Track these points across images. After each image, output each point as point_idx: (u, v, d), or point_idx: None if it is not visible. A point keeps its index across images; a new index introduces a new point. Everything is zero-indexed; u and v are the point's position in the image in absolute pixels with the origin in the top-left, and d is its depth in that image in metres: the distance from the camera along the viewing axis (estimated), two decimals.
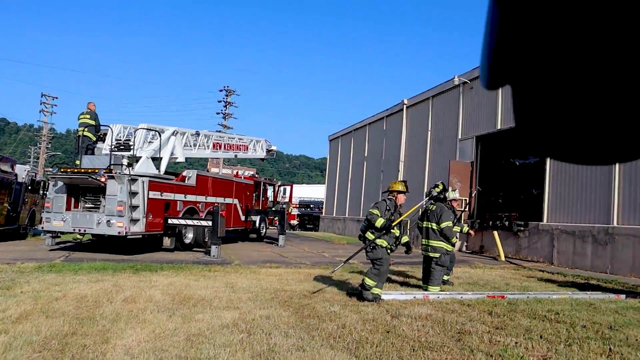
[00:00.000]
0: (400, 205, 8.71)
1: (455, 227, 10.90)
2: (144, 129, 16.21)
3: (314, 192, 54.59)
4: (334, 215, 40.12)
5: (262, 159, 25.21)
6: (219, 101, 50.37)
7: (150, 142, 16.38)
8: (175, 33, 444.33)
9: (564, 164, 16.92)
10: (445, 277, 10.53)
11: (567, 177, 17.05)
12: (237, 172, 24.61)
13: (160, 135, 16.23)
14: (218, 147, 20.54)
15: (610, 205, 15.09)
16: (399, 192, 8.75)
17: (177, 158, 17.54)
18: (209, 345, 5.06)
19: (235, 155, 22.54)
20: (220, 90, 50.42)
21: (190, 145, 18.49)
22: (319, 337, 5.58)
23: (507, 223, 19.33)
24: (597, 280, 13.03)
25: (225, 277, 10.63)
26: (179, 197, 16.10)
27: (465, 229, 11.31)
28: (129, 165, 14.84)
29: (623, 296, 9.64)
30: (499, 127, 20.93)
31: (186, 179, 17.02)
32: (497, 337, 5.77)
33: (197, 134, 18.91)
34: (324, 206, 44.06)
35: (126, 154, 15.26)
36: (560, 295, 9.44)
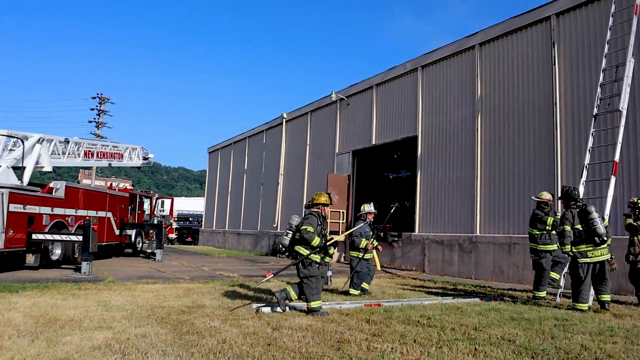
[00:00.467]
0: (324, 217, 8.68)
1: (372, 240, 11.37)
2: (3, 135, 14.87)
3: (193, 205, 53.32)
4: (214, 228, 39.46)
5: (139, 167, 24.17)
6: (92, 109, 47.64)
7: (11, 149, 15.07)
8: (45, 32, 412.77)
9: (434, 178, 18.07)
10: (365, 286, 11.23)
11: (436, 191, 18.20)
12: (111, 184, 23.31)
13: (23, 143, 14.97)
14: (90, 155, 19.36)
15: (474, 215, 16.32)
16: (324, 204, 8.74)
17: (43, 167, 16.27)
18: None
19: (110, 164, 21.35)
20: (94, 98, 47.74)
21: (59, 154, 17.24)
22: (199, 354, 5.42)
23: (382, 234, 20.16)
24: (463, 285, 13.98)
25: (98, 295, 9.99)
26: (45, 210, 14.93)
27: (375, 243, 11.55)
28: None
29: (476, 299, 10.45)
30: (373, 143, 21.88)
31: (53, 190, 15.82)
32: (375, 344, 5.97)
33: (67, 141, 17.69)
34: (203, 219, 43.16)
35: None
36: (431, 300, 10.00)
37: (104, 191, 20.03)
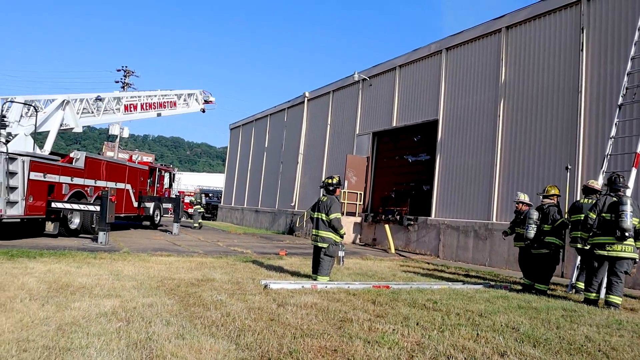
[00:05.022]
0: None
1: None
2: (19, 102, 15.04)
3: (213, 180, 53.86)
4: (233, 205, 39.78)
5: (203, 111, 23.14)
6: (116, 81, 47.90)
7: (31, 116, 15.28)
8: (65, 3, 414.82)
9: (452, 163, 17.88)
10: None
11: (454, 176, 18.03)
12: (131, 157, 23.55)
13: (36, 111, 15.11)
14: (133, 109, 19.00)
15: (491, 203, 16.16)
16: (557, 195, 10.20)
17: (72, 128, 16.32)
18: (81, 334, 4.82)
19: (159, 114, 20.53)
20: (118, 70, 47.91)
21: (91, 112, 17.11)
22: (201, 325, 5.50)
23: (398, 217, 20.12)
24: (476, 272, 13.91)
25: (111, 264, 10.20)
26: (65, 179, 15.19)
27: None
28: (6, 142, 13.79)
29: (484, 286, 10.37)
30: (394, 125, 21.71)
31: (74, 160, 16.08)
32: (377, 325, 5.98)
33: (99, 99, 17.33)
34: (222, 195, 43.52)
35: (2, 131, 14.11)
36: (441, 285, 9.95)
37: (123, 163, 20.28)
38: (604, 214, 8.48)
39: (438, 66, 19.59)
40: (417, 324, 6.20)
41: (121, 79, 47.43)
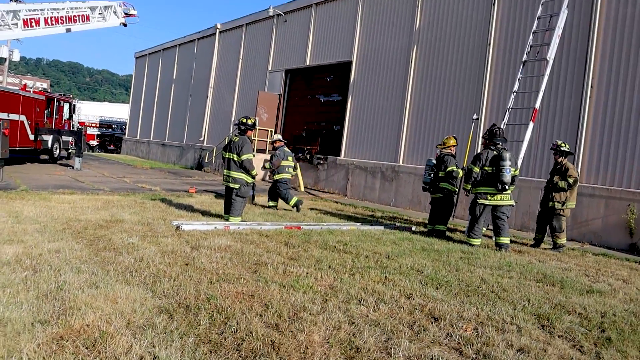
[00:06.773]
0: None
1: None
2: None
3: (116, 111, 51.29)
4: (138, 137, 38.33)
5: (124, 25, 20.83)
6: None
7: None
8: None
9: (364, 105, 18.17)
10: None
11: (365, 118, 18.37)
12: (25, 85, 21.68)
13: None
14: (35, 24, 16.70)
15: (398, 146, 16.73)
16: (455, 146, 10.77)
17: None
18: None
19: (69, 30, 18.15)
20: None
21: None
22: (115, 272, 5.39)
23: (308, 156, 20.35)
24: (382, 211, 14.52)
25: (8, 204, 9.60)
26: None
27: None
28: None
29: (388, 228, 10.94)
30: (308, 64, 21.56)
31: None
32: (291, 269, 6.17)
33: None
34: (127, 128, 41.72)
35: None
36: (350, 226, 10.34)
37: (16, 92, 18.60)
38: (486, 167, 9.21)
39: (355, 7, 19.46)
40: (329, 266, 6.46)
41: None
